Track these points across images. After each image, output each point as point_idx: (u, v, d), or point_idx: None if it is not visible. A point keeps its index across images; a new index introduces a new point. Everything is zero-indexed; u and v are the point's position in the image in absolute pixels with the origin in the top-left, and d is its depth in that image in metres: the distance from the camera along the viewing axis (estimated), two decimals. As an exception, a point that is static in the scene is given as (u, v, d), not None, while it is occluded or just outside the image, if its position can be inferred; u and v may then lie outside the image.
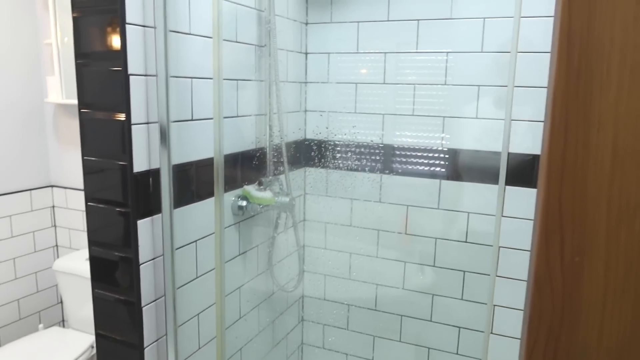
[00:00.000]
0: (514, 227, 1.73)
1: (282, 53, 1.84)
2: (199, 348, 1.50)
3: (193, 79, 1.37)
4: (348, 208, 2.00)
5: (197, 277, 1.45)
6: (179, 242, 1.36)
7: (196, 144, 1.40)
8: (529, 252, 1.74)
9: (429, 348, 1.96)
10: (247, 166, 1.68)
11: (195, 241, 1.43)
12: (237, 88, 1.60)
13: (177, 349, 1.36)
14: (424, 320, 1.94)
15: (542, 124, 1.66)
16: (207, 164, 1.43)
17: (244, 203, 1.64)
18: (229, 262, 1.62)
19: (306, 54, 1.99)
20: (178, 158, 1.33)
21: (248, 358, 1.79)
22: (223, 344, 1.31)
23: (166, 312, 1.33)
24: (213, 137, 1.23)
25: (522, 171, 1.70)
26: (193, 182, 1.41)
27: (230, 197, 1.62)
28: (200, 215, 1.44)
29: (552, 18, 0.65)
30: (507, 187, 1.73)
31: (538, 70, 1.65)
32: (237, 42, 1.57)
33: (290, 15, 1.88)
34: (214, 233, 1.46)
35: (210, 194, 1.44)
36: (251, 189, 1.66)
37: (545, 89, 1.64)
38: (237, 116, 1.61)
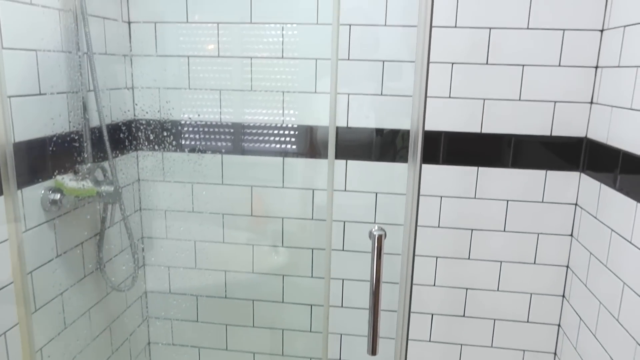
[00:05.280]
0: (356, 201, 1.75)
1: (97, 20, 1.59)
2: (9, 373, 1.25)
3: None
4: (189, 192, 1.85)
5: (-4, 291, 1.20)
6: (-36, 251, 1.10)
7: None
8: (370, 225, 1.78)
9: (282, 329, 1.92)
10: (59, 153, 1.44)
11: (-10, 248, 1.18)
12: (37, 60, 1.34)
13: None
14: (276, 302, 1.89)
15: (382, 97, 1.68)
16: (-4, 153, 1.17)
17: (58, 196, 1.40)
18: (43, 266, 1.38)
19: (129, 23, 1.76)
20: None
21: (80, 371, 1.57)
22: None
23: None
24: (-5, 119, 1.00)
25: (363, 145, 1.71)
26: (-21, 176, 1.15)
27: (39, 190, 1.37)
28: (-7, 216, 1.18)
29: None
30: (350, 161, 1.73)
31: (373, 43, 1.66)
32: (31, 4, 1.31)
33: (104, -23, 1.64)
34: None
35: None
36: (66, 179, 1.42)
37: (381, 63, 1.68)
38: (40, 94, 1.35)
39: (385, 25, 1.64)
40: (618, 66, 1.44)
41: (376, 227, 0.93)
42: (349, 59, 1.67)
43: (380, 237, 0.90)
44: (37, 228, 1.36)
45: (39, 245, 1.37)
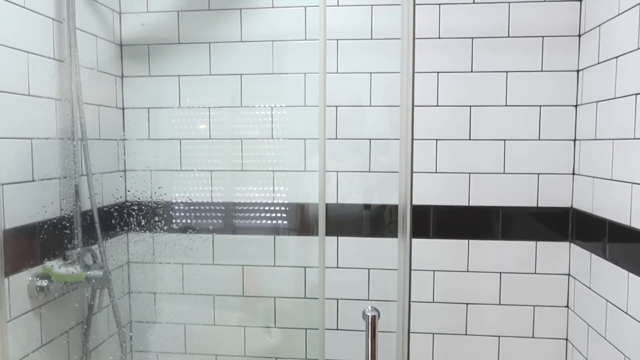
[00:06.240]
0: (349, 278, 1.73)
1: (92, 108, 1.65)
2: None
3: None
4: (179, 274, 1.82)
5: (-25, 386, 1.15)
6: (-55, 345, 1.07)
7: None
8: (364, 302, 1.75)
9: (276, 417, 1.82)
10: (49, 239, 1.43)
11: (-28, 340, 1.14)
12: (32, 148, 1.37)
13: None
14: (269, 387, 1.81)
15: (370, 174, 1.72)
16: (-15, 241, 1.16)
17: (45, 283, 1.37)
18: (26, 357, 1.33)
19: (123, 109, 1.83)
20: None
21: None
22: None
23: None
24: (-13, 208, 1.00)
25: (353, 221, 1.73)
26: (-34, 265, 1.13)
27: (26, 277, 1.35)
28: (-22, 306, 1.15)
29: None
30: (341, 238, 1.74)
31: (360, 121, 1.72)
32: (29, 95, 1.36)
33: (101, 68, 1.71)
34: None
35: (-10, 278, 1.17)
36: (54, 265, 1.41)
37: (368, 141, 1.73)
38: (33, 180, 1.37)
39: (370, 105, 1.71)
40: (595, 139, 1.49)
41: (369, 307, 0.92)
42: (336, 137, 1.72)
43: (374, 318, 0.89)
44: (22, 317, 1.32)
45: (23, 335, 1.32)
